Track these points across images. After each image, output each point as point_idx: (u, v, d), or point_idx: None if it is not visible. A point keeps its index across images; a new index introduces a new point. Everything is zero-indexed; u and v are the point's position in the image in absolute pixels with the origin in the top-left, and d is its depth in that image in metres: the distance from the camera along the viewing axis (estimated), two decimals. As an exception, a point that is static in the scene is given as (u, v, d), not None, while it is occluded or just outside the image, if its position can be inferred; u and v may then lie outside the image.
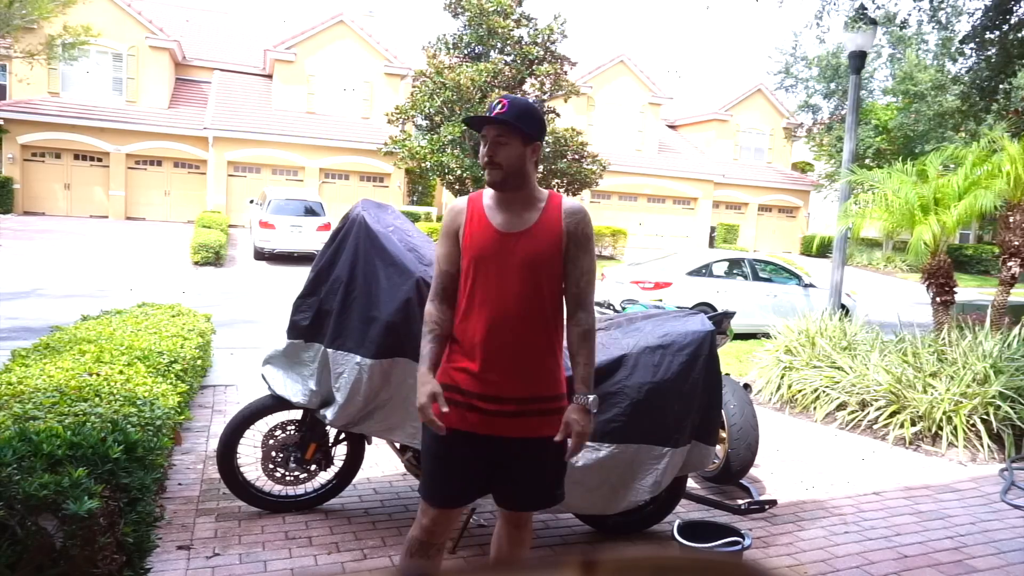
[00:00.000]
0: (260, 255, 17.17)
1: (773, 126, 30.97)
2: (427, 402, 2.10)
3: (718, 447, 4.10)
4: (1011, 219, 7.79)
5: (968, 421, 5.26)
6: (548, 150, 19.84)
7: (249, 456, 3.69)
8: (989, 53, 9.60)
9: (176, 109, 23.07)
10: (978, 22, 9.42)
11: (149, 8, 25.19)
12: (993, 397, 5.30)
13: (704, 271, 10.76)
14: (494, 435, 2.19)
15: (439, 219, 22.66)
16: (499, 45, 21.16)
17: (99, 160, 21.94)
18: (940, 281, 7.60)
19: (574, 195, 21.99)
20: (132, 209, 22.32)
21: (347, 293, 3.26)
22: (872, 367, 5.89)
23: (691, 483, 4.11)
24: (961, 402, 5.32)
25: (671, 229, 28.29)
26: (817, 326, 6.89)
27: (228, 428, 3.50)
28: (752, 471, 4.58)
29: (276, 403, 3.51)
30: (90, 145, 21.57)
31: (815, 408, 6.06)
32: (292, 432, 3.57)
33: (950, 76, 15.05)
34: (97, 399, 2.91)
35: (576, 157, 20.93)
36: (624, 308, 5.25)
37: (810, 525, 3.82)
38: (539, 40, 21.01)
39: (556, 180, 20.80)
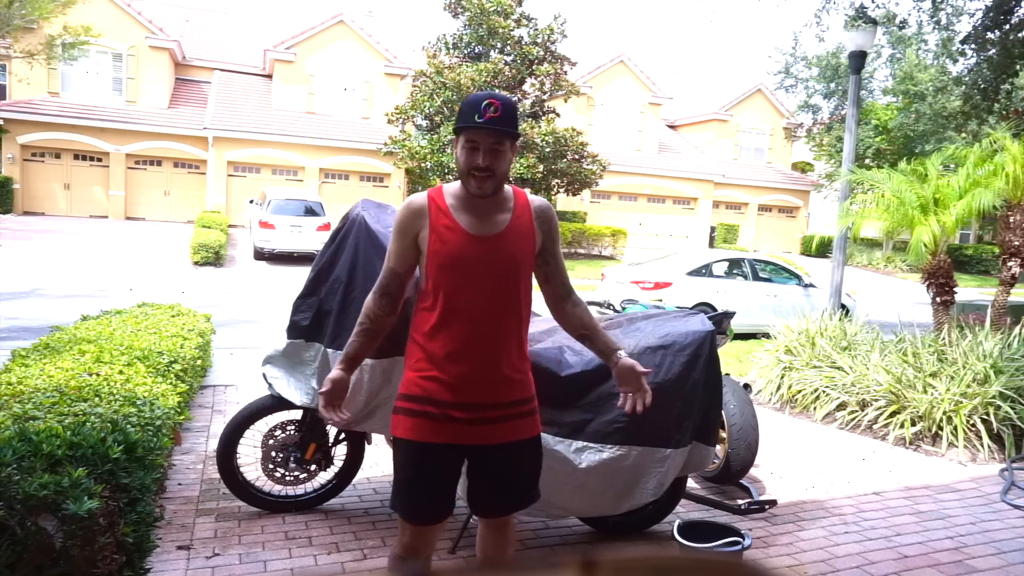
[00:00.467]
0: (260, 255, 17.17)
1: (773, 126, 30.98)
2: (328, 390, 2.12)
3: (718, 447, 4.09)
4: (1011, 219, 7.79)
5: (968, 421, 5.26)
6: (548, 150, 19.84)
7: (249, 456, 3.68)
8: (990, 53, 9.60)
9: (176, 109, 23.07)
10: (979, 22, 9.42)
11: (149, 8, 25.19)
12: (993, 397, 5.30)
13: (704, 271, 10.76)
14: (471, 444, 2.12)
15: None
16: (499, 45, 21.17)
17: (99, 160, 21.94)
18: (940, 281, 7.60)
19: (574, 195, 22.03)
20: (132, 209, 22.32)
21: (347, 293, 3.25)
22: (872, 367, 5.89)
23: (691, 483, 4.10)
24: (961, 402, 5.32)
25: (671, 229, 28.29)
26: (817, 326, 6.89)
27: (228, 428, 3.50)
28: (752, 471, 4.58)
29: (276, 403, 3.51)
30: (90, 145, 21.57)
31: (815, 408, 6.06)
32: (292, 432, 3.57)
33: (951, 77, 15.04)
34: (97, 399, 2.91)
35: (576, 157, 20.93)
36: (624, 308, 5.24)
37: (810, 525, 3.82)
38: (539, 40, 21.02)
39: (556, 180, 20.81)
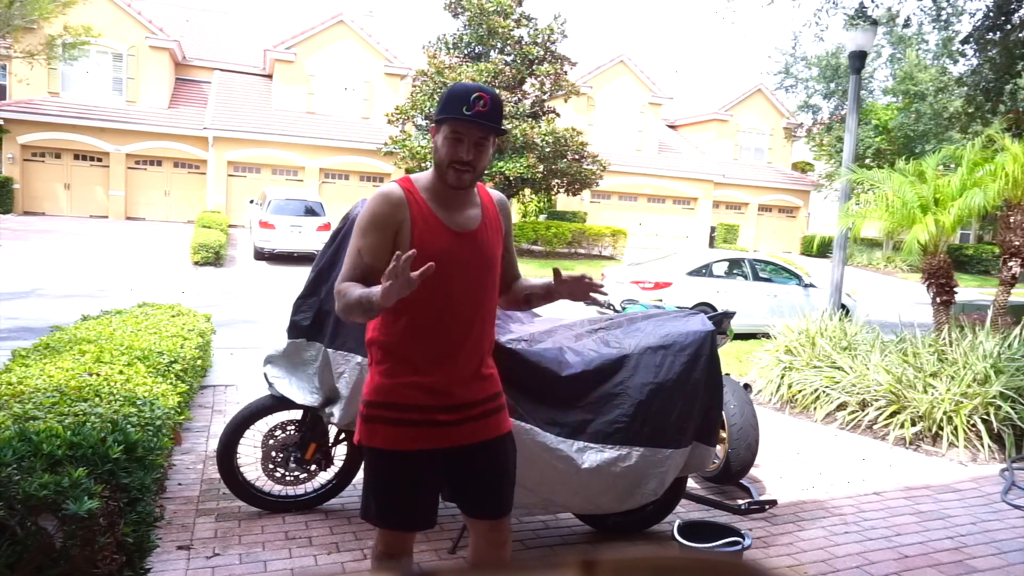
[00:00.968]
0: (260, 255, 17.17)
1: (773, 126, 30.97)
2: (395, 264, 1.74)
3: (718, 447, 4.09)
4: (1011, 219, 7.79)
5: (968, 421, 5.26)
6: (548, 150, 19.84)
7: (249, 456, 3.68)
8: (991, 54, 9.59)
9: (176, 109, 23.07)
10: (979, 22, 9.42)
11: (149, 8, 25.20)
12: (994, 397, 5.30)
13: (704, 271, 10.76)
14: (454, 446, 2.06)
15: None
16: (499, 45, 21.16)
17: (99, 160, 21.94)
18: (940, 281, 7.60)
19: (574, 195, 22.03)
20: (132, 209, 22.32)
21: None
22: (872, 367, 5.89)
23: (691, 483, 4.10)
24: (961, 402, 5.32)
25: (671, 229, 28.29)
26: (817, 326, 6.89)
27: (228, 428, 3.50)
28: (752, 471, 4.57)
29: (276, 403, 3.51)
30: (90, 145, 21.57)
31: (815, 408, 6.06)
32: (292, 432, 3.57)
33: (954, 78, 15.03)
34: (97, 399, 2.91)
35: (576, 157, 20.93)
36: (624, 308, 5.24)
37: (810, 525, 3.82)
38: (539, 40, 21.02)
39: (556, 180, 20.81)
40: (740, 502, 3.80)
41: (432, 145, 2.04)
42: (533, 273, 16.45)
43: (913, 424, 5.42)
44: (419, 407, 2.01)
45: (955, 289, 7.71)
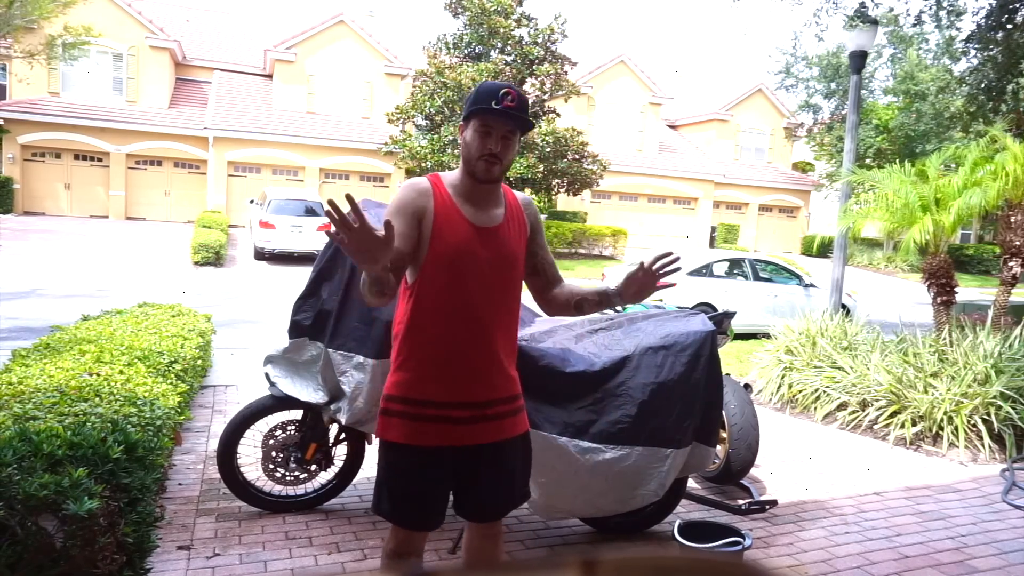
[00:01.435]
0: (260, 255, 17.17)
1: (773, 126, 30.97)
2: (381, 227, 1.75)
3: (718, 447, 4.09)
4: (1012, 219, 7.79)
5: (969, 421, 5.25)
6: (548, 150, 19.84)
7: (249, 456, 3.68)
8: (993, 53, 9.59)
9: (176, 109, 23.08)
10: (982, 21, 9.41)
11: (149, 8, 25.20)
12: (994, 397, 5.30)
13: (704, 271, 10.76)
14: (468, 445, 2.05)
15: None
16: (499, 45, 21.17)
17: (99, 160, 21.95)
18: (941, 281, 7.60)
19: (574, 195, 22.04)
20: (132, 209, 22.33)
21: (348, 293, 3.26)
22: (873, 367, 5.89)
23: (691, 483, 4.10)
24: (962, 402, 5.31)
25: (671, 229, 28.29)
26: (818, 326, 6.89)
27: (228, 428, 3.50)
28: (752, 471, 4.57)
29: (276, 403, 3.51)
30: (90, 145, 21.58)
31: (815, 408, 6.06)
32: (292, 432, 3.57)
33: (955, 77, 15.01)
34: (97, 399, 2.91)
35: (576, 157, 20.93)
36: (624, 308, 5.24)
37: (811, 525, 3.82)
38: (539, 40, 21.02)
39: (556, 180, 20.81)
40: (740, 502, 3.80)
41: (461, 142, 2.07)
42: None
43: (913, 424, 5.42)
44: (434, 403, 2.02)
45: (956, 289, 7.70)
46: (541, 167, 19.70)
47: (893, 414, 5.56)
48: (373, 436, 3.67)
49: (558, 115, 21.91)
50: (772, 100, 30.65)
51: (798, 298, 10.75)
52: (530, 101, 21.75)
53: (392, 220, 1.91)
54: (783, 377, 6.49)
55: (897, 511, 4.10)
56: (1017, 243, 7.76)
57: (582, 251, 22.54)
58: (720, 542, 3.03)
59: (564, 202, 25.40)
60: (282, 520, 3.47)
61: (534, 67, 21.03)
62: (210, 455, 4.19)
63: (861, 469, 4.85)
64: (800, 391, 6.27)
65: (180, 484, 3.82)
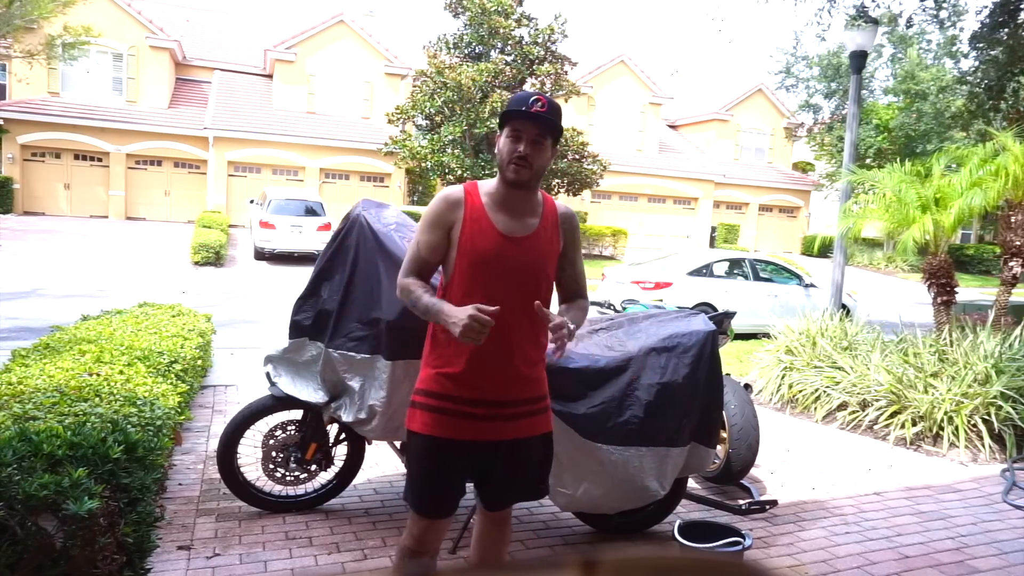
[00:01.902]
0: (260, 255, 17.17)
1: (774, 126, 30.96)
2: (472, 311, 1.91)
3: (719, 447, 4.09)
4: (1012, 219, 7.79)
5: (969, 421, 5.25)
6: (549, 150, 19.83)
7: (249, 456, 3.68)
8: (994, 53, 9.59)
9: (176, 109, 23.07)
10: (986, 20, 9.41)
11: (149, 8, 25.19)
12: (994, 397, 5.30)
13: (704, 271, 10.75)
14: (485, 440, 2.16)
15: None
16: (500, 45, 21.17)
17: (99, 160, 21.94)
18: (941, 281, 7.60)
19: (574, 195, 22.02)
20: (132, 209, 22.33)
21: (348, 293, 3.26)
22: (873, 367, 5.89)
23: (692, 483, 4.10)
24: (962, 402, 5.31)
25: (671, 229, 28.28)
26: (818, 326, 6.89)
27: (228, 428, 3.50)
28: (752, 471, 4.57)
29: (276, 403, 3.51)
30: (90, 145, 21.58)
31: (816, 408, 6.06)
32: (292, 432, 3.57)
33: (956, 77, 14.99)
34: (97, 399, 2.91)
35: (577, 157, 20.93)
36: (625, 308, 5.25)
37: (811, 525, 3.82)
38: (540, 40, 21.02)
39: (556, 180, 20.81)
40: (740, 502, 3.80)
41: (496, 150, 2.17)
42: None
43: (914, 424, 5.42)
44: (453, 398, 2.13)
45: (956, 289, 7.70)
46: (541, 167, 19.68)
47: (893, 414, 5.56)
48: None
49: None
50: (772, 100, 30.65)
51: (798, 298, 10.75)
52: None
53: (425, 232, 2.15)
54: (783, 377, 6.49)
55: (897, 511, 4.10)
56: (1017, 243, 7.76)
57: (582, 251, 22.54)
58: (720, 542, 3.03)
59: (564, 202, 25.40)
60: (282, 520, 3.47)
61: (534, 67, 21.03)
62: (210, 455, 4.19)
63: (861, 469, 4.85)
64: (800, 391, 6.27)
65: (180, 484, 3.82)
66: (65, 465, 2.19)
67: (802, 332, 6.87)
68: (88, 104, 21.87)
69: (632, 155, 27.63)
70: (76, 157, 21.80)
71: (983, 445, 5.19)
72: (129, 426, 2.60)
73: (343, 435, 3.63)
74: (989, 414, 5.25)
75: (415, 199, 25.75)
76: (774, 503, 3.74)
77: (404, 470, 4.10)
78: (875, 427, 5.61)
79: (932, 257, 7.63)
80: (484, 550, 2.39)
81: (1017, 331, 6.16)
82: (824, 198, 30.00)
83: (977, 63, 10.29)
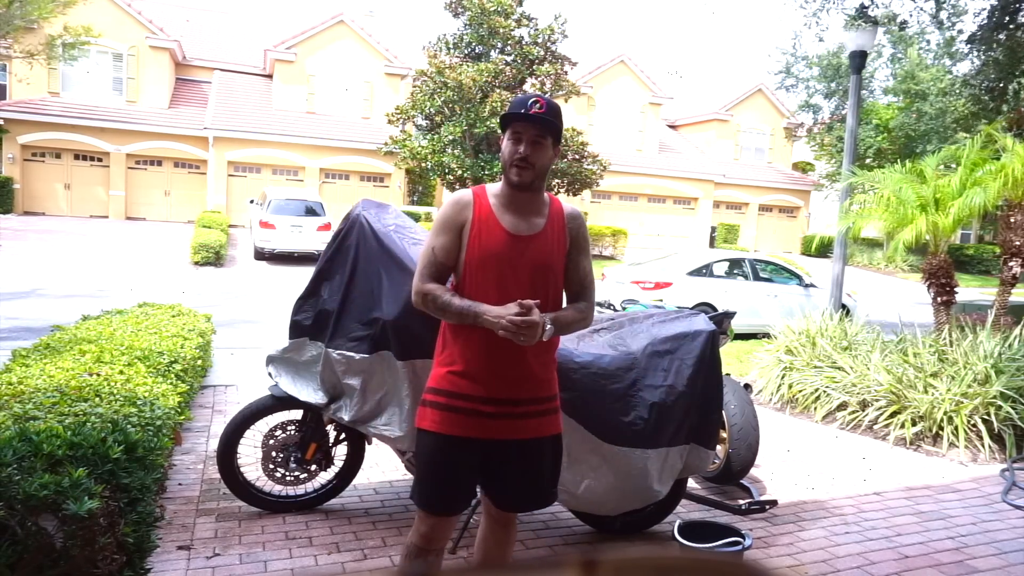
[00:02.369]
0: (260, 255, 17.17)
1: (774, 126, 30.96)
2: (514, 308, 1.99)
3: (718, 447, 4.09)
4: (1012, 219, 7.79)
5: (969, 421, 5.25)
6: (549, 150, 19.83)
7: (249, 456, 3.68)
8: (993, 55, 9.59)
9: (176, 109, 23.07)
10: (984, 22, 9.41)
11: (149, 8, 25.19)
12: (994, 397, 5.30)
13: (704, 271, 10.75)
14: (495, 439, 2.17)
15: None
16: (500, 45, 21.16)
17: (99, 160, 21.94)
18: (941, 281, 7.60)
19: (575, 195, 22.02)
20: (132, 209, 22.32)
21: (349, 293, 3.26)
22: (873, 367, 5.89)
23: (691, 483, 4.10)
24: (962, 402, 5.31)
25: (671, 229, 28.28)
26: (818, 326, 6.89)
27: (228, 428, 3.50)
28: (752, 471, 4.57)
29: (276, 403, 3.51)
30: (90, 145, 21.57)
31: (815, 408, 6.06)
32: (292, 432, 3.57)
33: (959, 79, 14.96)
34: (97, 399, 2.91)
35: (576, 157, 20.93)
36: (625, 308, 5.25)
37: (811, 525, 3.82)
38: (539, 40, 21.01)
39: (556, 180, 20.81)
40: (740, 502, 3.80)
41: (500, 153, 2.22)
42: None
43: (913, 424, 5.42)
44: (463, 396, 2.15)
45: (956, 289, 7.71)
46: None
47: (893, 414, 5.56)
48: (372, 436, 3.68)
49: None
50: (772, 100, 30.64)
51: (798, 298, 10.75)
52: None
53: (439, 236, 2.17)
54: (783, 377, 6.49)
55: (897, 511, 4.10)
56: (1017, 243, 7.76)
57: (582, 251, 22.52)
58: (720, 542, 3.04)
59: (564, 202, 25.38)
60: (282, 520, 3.47)
61: (534, 67, 21.02)
62: (210, 455, 4.19)
63: (861, 469, 4.85)
64: (800, 391, 6.27)
65: (180, 484, 3.82)
66: (65, 465, 2.19)
67: (802, 332, 6.87)
68: (88, 104, 21.86)
69: (632, 155, 27.62)
70: (76, 157, 21.80)
71: (983, 445, 5.19)
72: (129, 426, 2.60)
73: (343, 435, 3.63)
74: (989, 414, 5.26)
75: (415, 199, 25.75)
76: (774, 503, 3.74)
77: (404, 470, 4.11)
78: (875, 427, 5.62)
79: (932, 257, 7.63)
80: (488, 550, 2.39)
81: (1017, 331, 6.16)
82: (824, 198, 29.99)
83: (980, 65, 10.29)
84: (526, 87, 21.26)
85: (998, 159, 7.58)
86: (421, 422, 2.21)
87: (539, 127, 2.11)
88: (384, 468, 4.25)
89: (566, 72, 21.58)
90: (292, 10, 51.00)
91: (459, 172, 19.71)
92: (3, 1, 14.18)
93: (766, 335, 7.74)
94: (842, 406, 5.92)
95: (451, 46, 21.64)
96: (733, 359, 8.08)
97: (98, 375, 3.32)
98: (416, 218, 22.20)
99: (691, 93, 34.28)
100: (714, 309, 9.76)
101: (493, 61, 20.51)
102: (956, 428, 5.22)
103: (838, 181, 19.16)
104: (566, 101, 22.84)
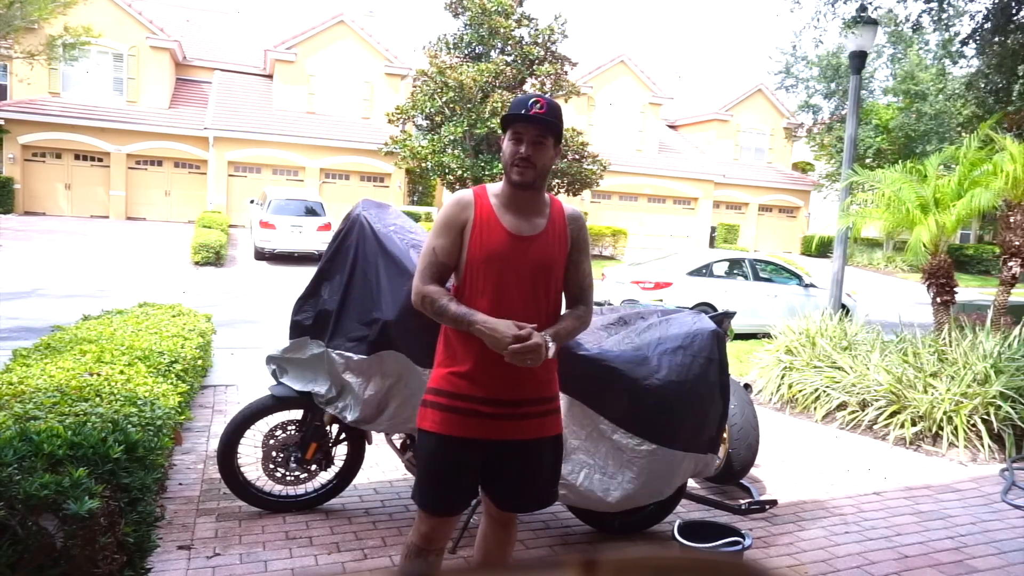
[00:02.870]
0: (260, 255, 17.17)
1: (773, 126, 30.96)
2: (515, 332, 2.01)
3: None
4: (1012, 219, 7.79)
5: (969, 421, 5.25)
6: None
7: (250, 456, 3.68)
8: (993, 56, 9.59)
9: (176, 109, 23.07)
10: (980, 24, 9.42)
11: (149, 8, 25.19)
12: (994, 397, 5.30)
13: (704, 271, 10.76)
14: (496, 439, 2.17)
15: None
16: (500, 45, 21.16)
17: (99, 160, 21.94)
18: (941, 281, 7.61)
19: (575, 195, 22.02)
20: (133, 209, 22.32)
21: (348, 293, 3.26)
22: (872, 367, 5.89)
23: (691, 483, 4.10)
24: (962, 402, 5.32)
25: (671, 229, 28.28)
26: (817, 326, 6.89)
27: (228, 428, 3.50)
28: (752, 471, 4.58)
29: (276, 403, 3.51)
30: (90, 145, 21.57)
31: (815, 408, 6.06)
32: (292, 432, 3.57)
33: (963, 81, 14.95)
34: (98, 399, 2.91)
35: (576, 157, 20.93)
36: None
37: (810, 525, 3.82)
38: (540, 40, 21.01)
39: (556, 180, 20.82)
40: (740, 502, 3.80)
41: (501, 154, 2.21)
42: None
43: (913, 424, 5.42)
44: (464, 396, 2.15)
45: (955, 289, 7.71)
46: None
47: (893, 414, 5.56)
48: (372, 436, 3.69)
49: (559, 115, 21.88)
50: (772, 100, 30.64)
51: (798, 298, 10.75)
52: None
53: (440, 236, 2.17)
54: (783, 377, 6.49)
55: (897, 511, 4.10)
56: (1016, 243, 7.76)
57: (582, 251, 22.51)
58: (720, 542, 3.04)
59: (564, 202, 25.38)
60: (282, 520, 3.47)
61: (534, 67, 21.02)
62: (210, 455, 4.19)
63: (861, 469, 4.86)
64: (800, 391, 6.27)
65: (180, 484, 3.83)
66: (66, 465, 2.19)
67: (802, 332, 6.87)
68: (88, 104, 21.86)
69: (632, 155, 27.62)
70: (77, 157, 21.80)
71: (982, 445, 5.19)
72: (129, 426, 2.60)
73: (343, 435, 3.64)
74: (988, 414, 5.26)
75: (415, 199, 25.75)
76: (774, 503, 3.74)
77: (404, 470, 4.11)
78: (875, 427, 5.62)
79: (932, 257, 7.63)
80: (488, 550, 2.39)
81: (1016, 331, 6.17)
82: (824, 198, 30.00)
83: (979, 66, 10.29)
84: (526, 87, 21.26)
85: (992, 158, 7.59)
86: (422, 422, 2.21)
87: (540, 127, 2.12)
88: (384, 468, 4.25)
89: (566, 72, 21.58)
90: (292, 10, 51.00)
91: (459, 172, 19.71)
92: (3, 2, 14.18)
93: (766, 335, 7.74)
94: (842, 406, 5.92)
95: (451, 46, 21.64)
96: (733, 359, 8.07)
97: (98, 375, 3.32)
98: (416, 218, 22.20)
99: (691, 93, 34.27)
100: (714, 309, 9.76)
101: (494, 61, 20.51)
102: (956, 428, 5.23)
103: (838, 181, 19.15)
104: (566, 101, 22.83)
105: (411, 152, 20.23)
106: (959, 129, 23.26)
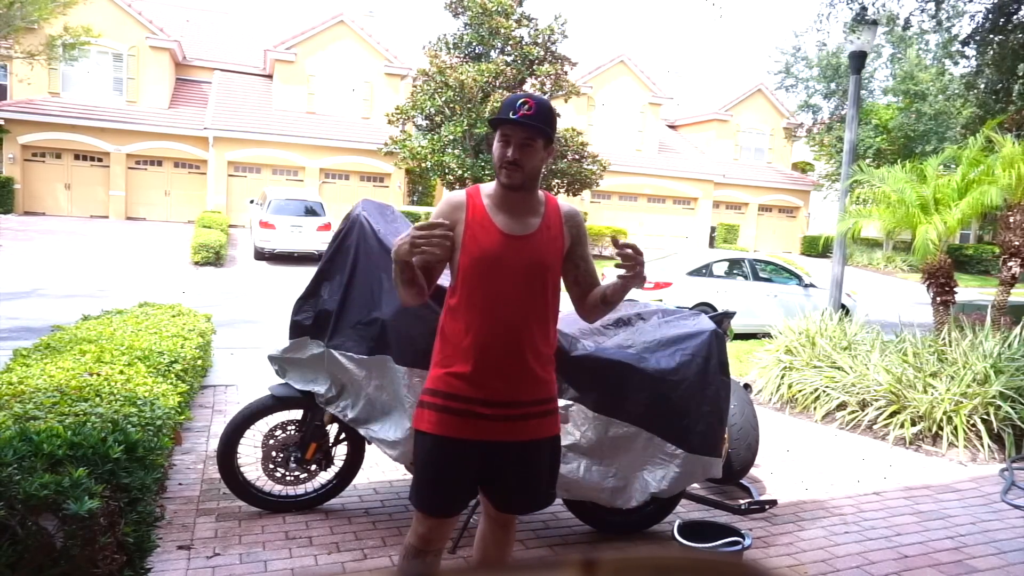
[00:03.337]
0: (260, 255, 17.17)
1: (773, 126, 30.96)
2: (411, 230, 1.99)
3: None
4: (1011, 219, 7.80)
5: (968, 421, 5.26)
6: (548, 150, 19.84)
7: (249, 456, 3.68)
8: (992, 57, 9.60)
9: (176, 109, 23.07)
10: (979, 24, 9.43)
11: (149, 8, 25.19)
12: (993, 397, 5.30)
13: (704, 271, 10.76)
14: (493, 440, 2.15)
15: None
16: (500, 45, 21.16)
17: (99, 160, 21.94)
18: (940, 281, 7.61)
19: (574, 195, 22.02)
20: (132, 209, 22.32)
21: (348, 293, 3.26)
22: (872, 367, 5.89)
23: (691, 483, 4.10)
24: (961, 402, 5.32)
25: (671, 229, 28.28)
26: (817, 326, 6.89)
27: (228, 428, 3.50)
28: (752, 471, 4.58)
29: (276, 403, 3.51)
30: (90, 145, 21.57)
31: (815, 408, 6.06)
32: (292, 432, 3.57)
33: (964, 81, 14.98)
34: (97, 399, 2.91)
35: (576, 157, 20.93)
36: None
37: (810, 525, 3.82)
38: (540, 40, 21.01)
39: (556, 180, 20.82)
40: (740, 502, 3.80)
41: (492, 153, 2.20)
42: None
43: (913, 424, 5.42)
44: (461, 397, 2.13)
45: (955, 289, 7.71)
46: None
47: (892, 414, 5.56)
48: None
49: (558, 115, 21.86)
50: (772, 100, 30.64)
51: (798, 298, 10.75)
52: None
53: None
54: (783, 377, 6.49)
55: (896, 511, 4.10)
56: (1016, 243, 7.77)
57: (582, 251, 22.51)
58: (720, 542, 3.04)
59: (562, 202, 25.37)
60: (282, 520, 3.47)
61: (534, 67, 21.02)
62: (210, 455, 4.19)
63: (861, 469, 4.86)
64: (800, 391, 6.27)
65: (180, 484, 3.83)
66: (65, 465, 2.19)
67: (801, 332, 6.87)
68: (88, 104, 21.86)
69: (632, 155, 27.62)
70: (76, 157, 21.79)
71: (982, 445, 5.19)
72: (129, 426, 2.60)
73: (343, 435, 3.64)
74: (988, 414, 5.26)
75: (415, 199, 25.75)
76: (774, 503, 3.74)
77: (404, 470, 4.11)
78: (874, 427, 5.62)
79: (932, 257, 7.63)
80: (487, 551, 2.39)
81: (1016, 331, 6.17)
82: (824, 198, 30.01)
83: (978, 67, 10.29)
84: (526, 87, 21.26)
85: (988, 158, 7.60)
86: (419, 423, 2.20)
87: (528, 131, 2.10)
88: (384, 468, 4.25)
89: (566, 72, 21.58)
90: (292, 10, 50.99)
91: (459, 172, 19.71)
92: (4, 2, 14.18)
93: (766, 335, 7.75)
94: (841, 406, 5.92)
95: (451, 46, 21.64)
96: (733, 359, 8.06)
97: (98, 375, 3.32)
98: (416, 218, 22.18)
99: (691, 93, 34.28)
100: (714, 309, 9.76)
101: (493, 61, 20.51)
102: (955, 428, 5.23)
103: (838, 181, 19.15)
104: (566, 101, 22.85)
105: (411, 152, 20.23)
106: (961, 130, 23.28)
